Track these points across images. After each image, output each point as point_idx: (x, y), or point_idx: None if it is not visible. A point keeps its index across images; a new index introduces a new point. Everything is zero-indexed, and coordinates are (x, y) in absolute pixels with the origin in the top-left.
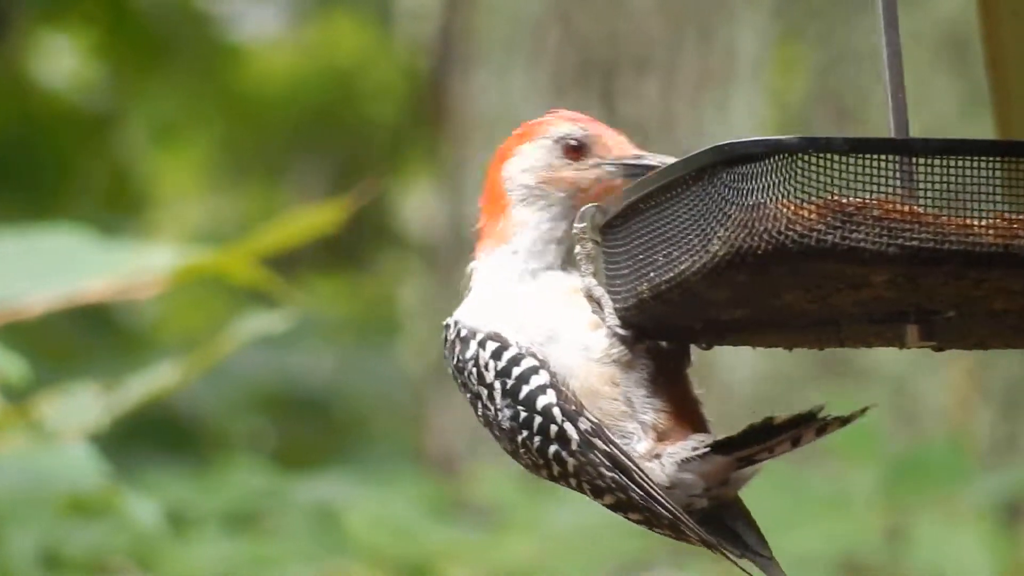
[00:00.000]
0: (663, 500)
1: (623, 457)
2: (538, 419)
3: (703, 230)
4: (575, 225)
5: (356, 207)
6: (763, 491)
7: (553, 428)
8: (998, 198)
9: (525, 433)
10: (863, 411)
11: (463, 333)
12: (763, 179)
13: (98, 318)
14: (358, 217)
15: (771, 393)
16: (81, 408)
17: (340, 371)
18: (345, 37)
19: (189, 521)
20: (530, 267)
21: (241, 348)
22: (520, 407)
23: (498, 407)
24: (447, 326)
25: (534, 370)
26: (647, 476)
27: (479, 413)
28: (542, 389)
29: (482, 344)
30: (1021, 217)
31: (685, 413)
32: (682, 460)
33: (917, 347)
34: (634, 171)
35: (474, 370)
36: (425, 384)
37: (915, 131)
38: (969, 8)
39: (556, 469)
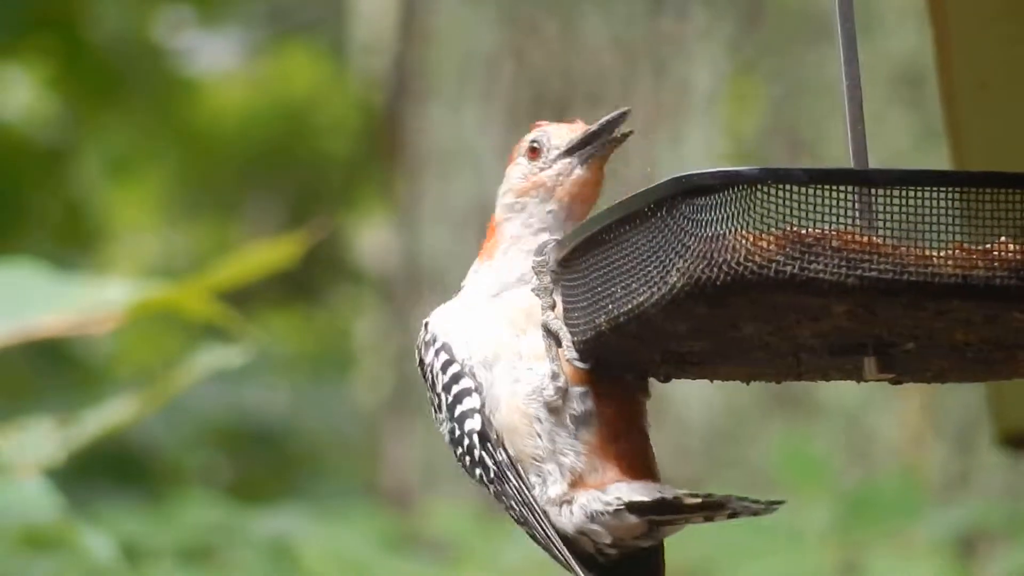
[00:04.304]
0: (558, 547)
1: (529, 496)
2: (466, 441)
3: (661, 262)
4: (533, 258)
5: (312, 243)
6: (716, 523)
7: (476, 452)
8: (957, 228)
9: (459, 450)
10: (776, 504)
11: (428, 337)
12: (721, 210)
13: (53, 353)
14: (312, 251)
15: (725, 427)
16: (36, 442)
17: (295, 405)
18: (299, 71)
19: (144, 555)
20: (503, 280)
21: (196, 382)
22: (455, 424)
23: (442, 418)
24: (423, 324)
25: (468, 392)
26: (546, 521)
27: (433, 417)
28: (471, 413)
29: (437, 353)
30: (979, 248)
31: (619, 454)
32: (593, 512)
33: (875, 379)
34: (583, 149)
35: (430, 376)
36: (379, 418)
37: (870, 165)
38: (924, 42)
39: (486, 488)
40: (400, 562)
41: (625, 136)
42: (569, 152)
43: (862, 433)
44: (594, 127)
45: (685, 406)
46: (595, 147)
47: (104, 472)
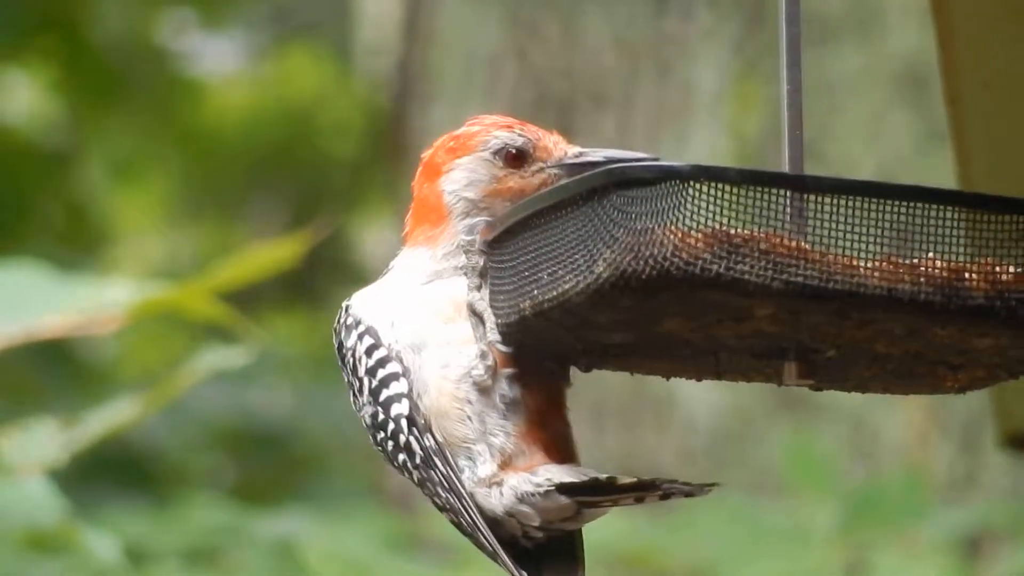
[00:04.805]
0: (485, 533)
1: (456, 482)
2: (391, 425)
3: (589, 251)
4: (463, 238)
5: (314, 242)
6: (721, 524)
7: (401, 438)
8: (887, 240)
9: (381, 435)
10: (709, 486)
11: (349, 321)
12: (653, 204)
13: (57, 354)
14: (316, 252)
15: (731, 427)
16: (39, 444)
17: (298, 407)
18: (302, 73)
19: (148, 557)
20: (438, 270)
21: (199, 384)
22: (379, 408)
23: (363, 402)
24: (342, 308)
25: (395, 376)
26: (473, 506)
27: (351, 401)
28: (398, 397)
29: (360, 337)
30: (907, 262)
31: (545, 439)
32: (523, 493)
33: (795, 384)
34: (578, 170)
35: (351, 360)
36: None
37: (872, 167)
38: (927, 42)
39: (407, 475)
40: (404, 564)
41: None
42: (561, 165)
43: (867, 433)
44: (596, 158)
45: (691, 407)
46: (586, 167)
47: (108, 474)
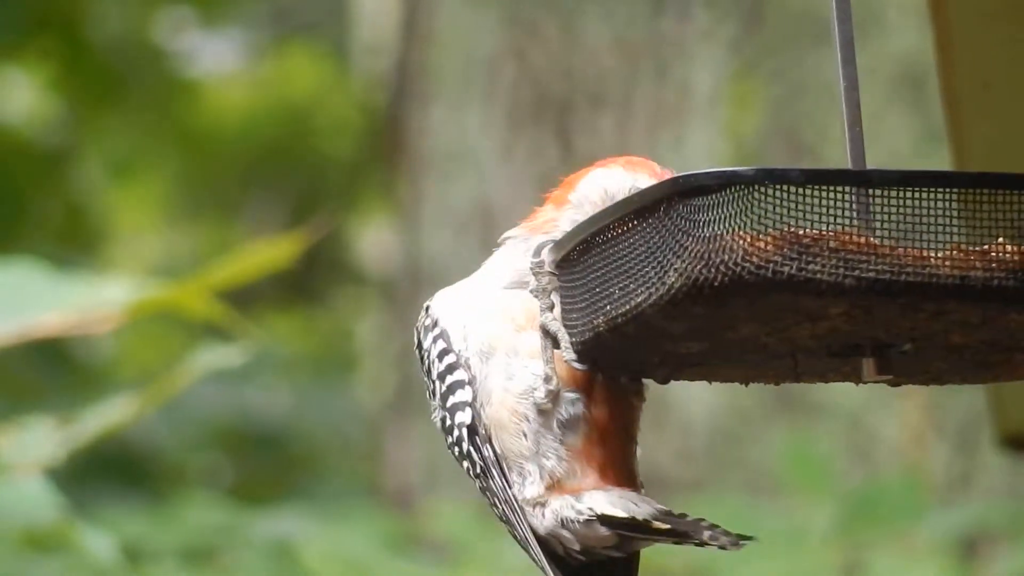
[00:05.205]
0: (534, 549)
1: (510, 494)
2: (455, 432)
3: (659, 262)
4: (531, 260)
5: (312, 242)
6: (719, 524)
7: (464, 446)
8: (955, 229)
9: (449, 440)
10: (745, 539)
11: (428, 322)
12: (719, 211)
13: (53, 352)
14: (314, 252)
15: (729, 429)
16: (36, 442)
17: (296, 406)
18: (301, 72)
19: (145, 556)
20: (521, 276)
21: (197, 383)
22: (447, 413)
23: (435, 405)
24: (423, 307)
25: (461, 384)
26: (524, 519)
27: (428, 399)
28: (462, 406)
29: (435, 340)
30: (977, 249)
31: (601, 459)
32: (564, 518)
33: (874, 381)
34: None
35: (427, 361)
36: (381, 419)
37: (869, 166)
38: (926, 43)
39: (474, 482)
40: (402, 563)
41: None
42: None
43: (864, 434)
44: None
45: (688, 408)
46: None
47: (106, 473)
